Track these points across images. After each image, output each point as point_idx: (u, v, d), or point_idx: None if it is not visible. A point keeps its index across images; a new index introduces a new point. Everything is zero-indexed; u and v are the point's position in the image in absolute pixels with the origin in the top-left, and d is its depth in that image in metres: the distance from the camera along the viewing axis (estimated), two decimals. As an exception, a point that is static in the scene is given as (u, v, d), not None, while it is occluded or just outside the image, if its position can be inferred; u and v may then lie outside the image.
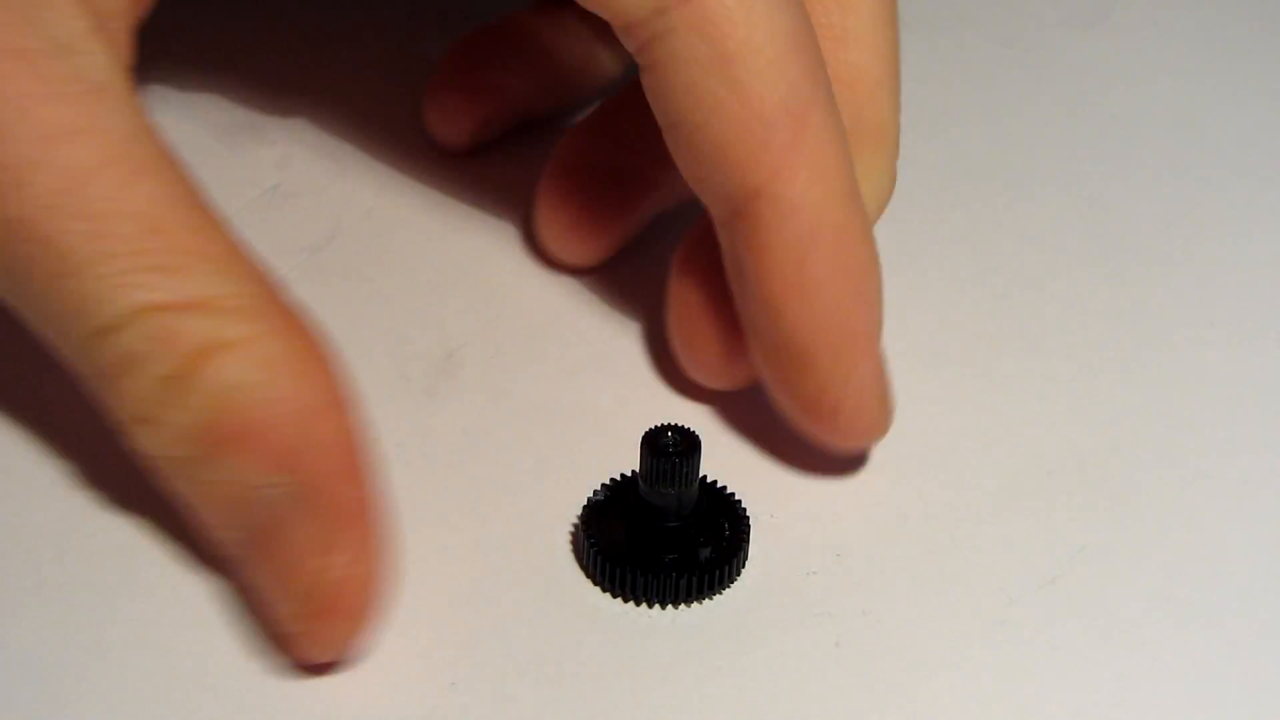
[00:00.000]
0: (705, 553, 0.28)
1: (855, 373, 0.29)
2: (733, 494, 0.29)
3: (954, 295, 0.35)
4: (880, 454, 0.31)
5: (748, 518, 0.29)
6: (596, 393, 0.32)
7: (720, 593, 0.28)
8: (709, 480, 0.29)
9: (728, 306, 0.30)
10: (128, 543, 0.28)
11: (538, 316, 0.34)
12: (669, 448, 0.27)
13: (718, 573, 0.28)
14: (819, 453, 0.30)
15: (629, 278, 0.34)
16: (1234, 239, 0.37)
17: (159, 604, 0.27)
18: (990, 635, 0.27)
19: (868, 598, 0.28)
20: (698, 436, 0.28)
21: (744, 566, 0.28)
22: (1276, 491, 0.30)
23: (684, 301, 0.31)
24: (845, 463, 0.30)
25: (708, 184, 0.28)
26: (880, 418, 0.29)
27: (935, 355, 0.33)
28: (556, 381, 0.32)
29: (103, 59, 0.27)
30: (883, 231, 0.30)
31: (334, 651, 0.26)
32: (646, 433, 0.28)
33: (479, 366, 0.32)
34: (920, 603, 0.28)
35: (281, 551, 0.25)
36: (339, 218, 0.36)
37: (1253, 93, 0.42)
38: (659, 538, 0.28)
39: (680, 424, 0.28)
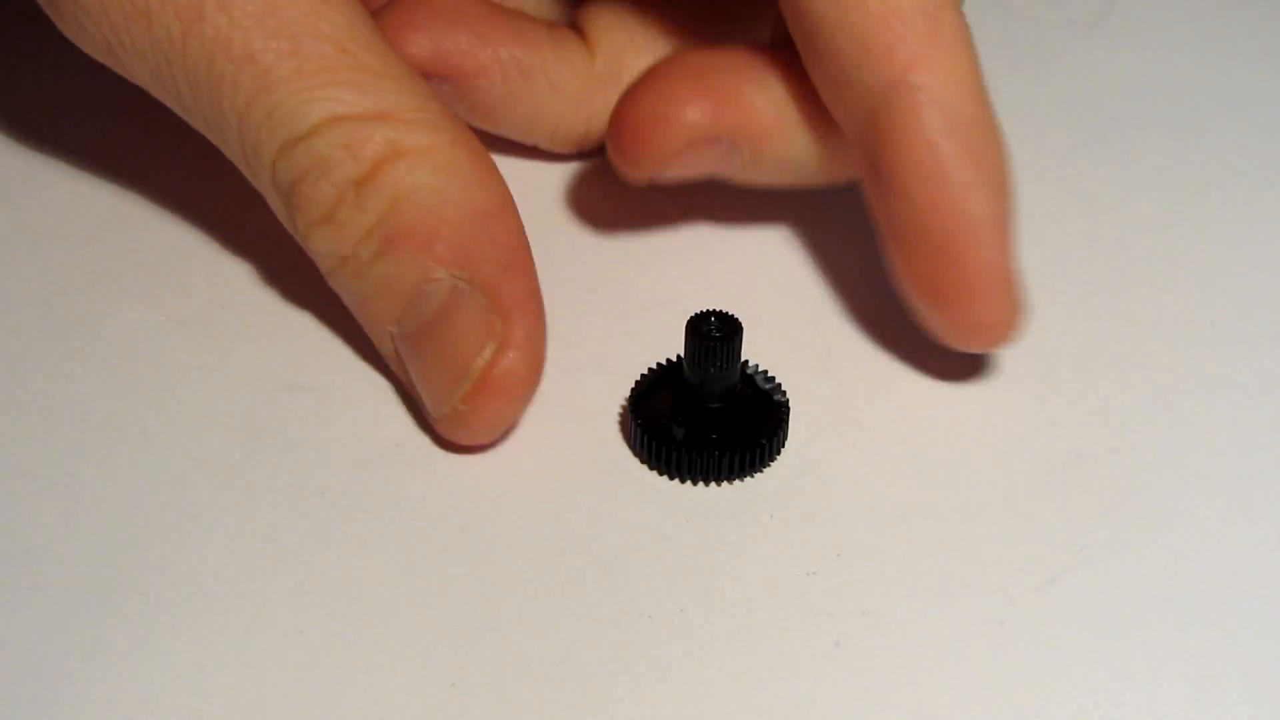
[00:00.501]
0: (746, 432, 0.30)
1: (988, 257, 0.30)
2: (773, 378, 0.31)
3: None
4: (880, 454, 0.31)
5: (787, 400, 0.30)
6: (598, 388, 0.32)
7: (761, 470, 0.30)
8: (750, 365, 0.31)
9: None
10: (127, 542, 0.28)
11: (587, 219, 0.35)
12: (712, 331, 0.29)
13: (758, 451, 0.29)
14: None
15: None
16: (1234, 239, 0.37)
17: (159, 604, 0.27)
18: (990, 635, 0.27)
19: (868, 598, 0.28)
20: (739, 321, 0.29)
21: (783, 446, 0.30)
22: (1276, 491, 0.30)
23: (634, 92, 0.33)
24: (846, 462, 0.30)
25: (847, 82, 0.30)
26: (1009, 309, 0.31)
27: (935, 355, 0.33)
28: (558, 379, 0.32)
29: None
30: (883, 232, 0.30)
31: (492, 431, 0.29)
32: (691, 318, 0.29)
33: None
34: (920, 603, 0.28)
35: (450, 339, 0.28)
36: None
37: (1253, 93, 0.42)
38: (702, 417, 0.30)
39: (724, 310, 0.30)
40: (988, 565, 0.28)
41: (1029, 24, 0.46)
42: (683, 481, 0.30)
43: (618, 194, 0.37)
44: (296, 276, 0.34)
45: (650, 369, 0.31)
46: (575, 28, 0.37)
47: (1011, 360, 0.33)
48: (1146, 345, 0.34)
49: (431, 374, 0.29)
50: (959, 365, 0.33)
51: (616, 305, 0.34)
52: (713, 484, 0.30)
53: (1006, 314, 0.31)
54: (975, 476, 0.30)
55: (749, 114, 0.33)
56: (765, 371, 0.31)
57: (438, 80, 0.35)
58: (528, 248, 0.29)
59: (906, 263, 0.31)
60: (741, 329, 0.29)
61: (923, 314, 0.31)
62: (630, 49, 0.36)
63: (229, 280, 0.34)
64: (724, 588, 0.28)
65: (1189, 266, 0.36)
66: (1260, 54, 0.44)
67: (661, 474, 0.30)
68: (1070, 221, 0.38)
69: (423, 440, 0.30)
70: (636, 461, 0.30)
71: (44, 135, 0.38)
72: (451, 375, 0.29)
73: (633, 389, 0.31)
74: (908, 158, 0.30)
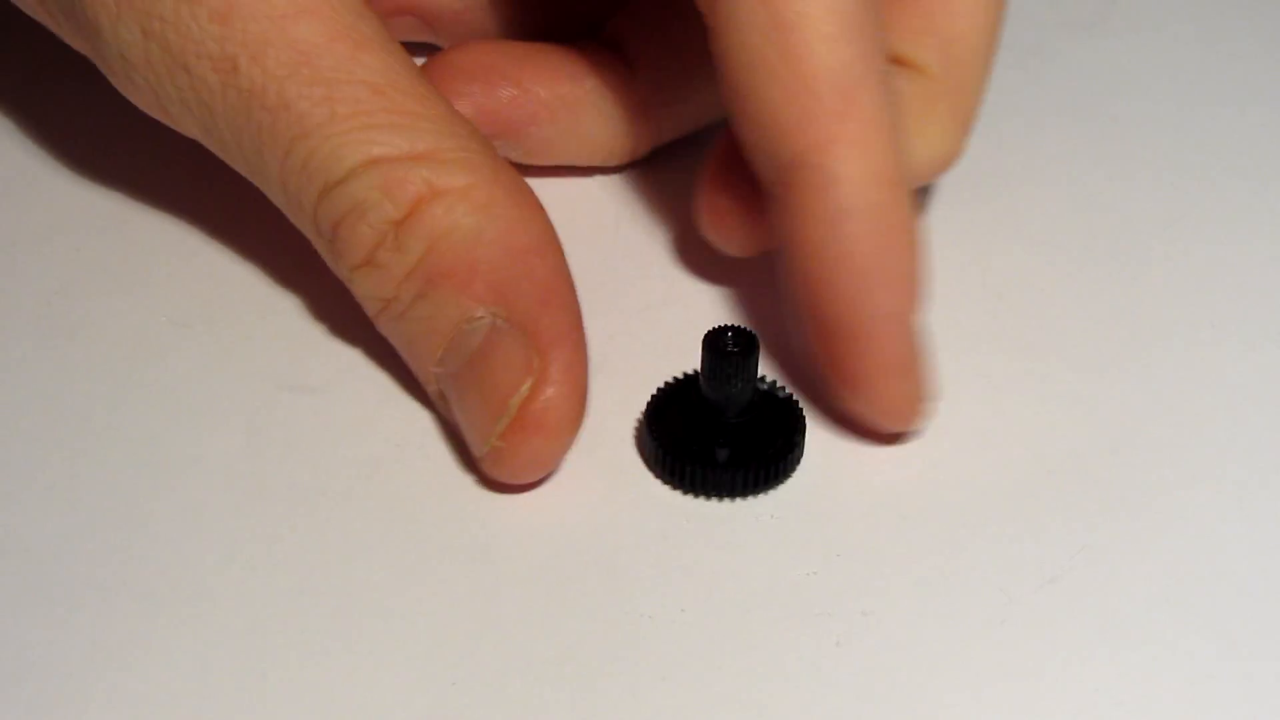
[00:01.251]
0: (762, 448, 0.29)
1: (879, 350, 0.29)
2: (790, 394, 0.31)
3: (954, 295, 0.35)
4: (880, 454, 0.31)
5: (803, 416, 0.30)
6: (598, 389, 0.32)
7: (775, 487, 0.30)
8: (767, 380, 0.31)
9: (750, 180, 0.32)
10: (127, 542, 0.28)
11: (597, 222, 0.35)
12: (728, 347, 0.29)
13: (773, 467, 0.29)
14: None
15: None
16: (1234, 239, 0.37)
17: (159, 604, 0.27)
18: (990, 635, 0.27)
19: (868, 598, 0.28)
20: (756, 337, 0.29)
21: (799, 463, 0.30)
22: (1276, 491, 0.30)
23: (714, 172, 0.33)
24: (846, 462, 0.30)
25: (756, 149, 0.30)
26: (907, 399, 0.30)
27: (935, 355, 0.33)
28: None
29: None
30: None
31: (533, 469, 0.29)
32: (707, 333, 0.29)
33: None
34: (920, 603, 0.28)
35: (489, 376, 0.28)
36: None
37: (1253, 93, 0.42)
38: (718, 433, 0.30)
39: (740, 325, 0.29)
40: (988, 565, 0.28)
41: (1028, 23, 0.45)
42: (708, 499, 0.29)
43: (628, 204, 0.37)
44: (297, 276, 0.34)
45: (663, 385, 0.31)
46: (609, 42, 0.37)
47: (1011, 360, 0.33)
48: (1146, 345, 0.34)
49: (472, 412, 0.29)
50: (958, 365, 0.33)
51: (627, 317, 0.34)
52: (732, 499, 0.30)
53: (902, 403, 0.30)
54: (975, 476, 0.30)
55: (509, 107, 0.34)
56: (775, 382, 0.31)
57: (490, 137, 0.34)
58: (568, 282, 0.29)
59: (805, 335, 0.30)
60: (758, 344, 0.29)
61: (818, 376, 0.31)
62: (668, 53, 0.36)
63: (229, 280, 0.34)
64: (724, 588, 0.28)
65: (1189, 266, 0.36)
66: (1260, 53, 0.44)
67: (686, 493, 0.30)
68: (1069, 219, 0.38)
69: (423, 440, 0.30)
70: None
71: (44, 135, 0.38)
72: (490, 412, 0.29)
73: (647, 406, 0.30)
74: (803, 239, 0.29)
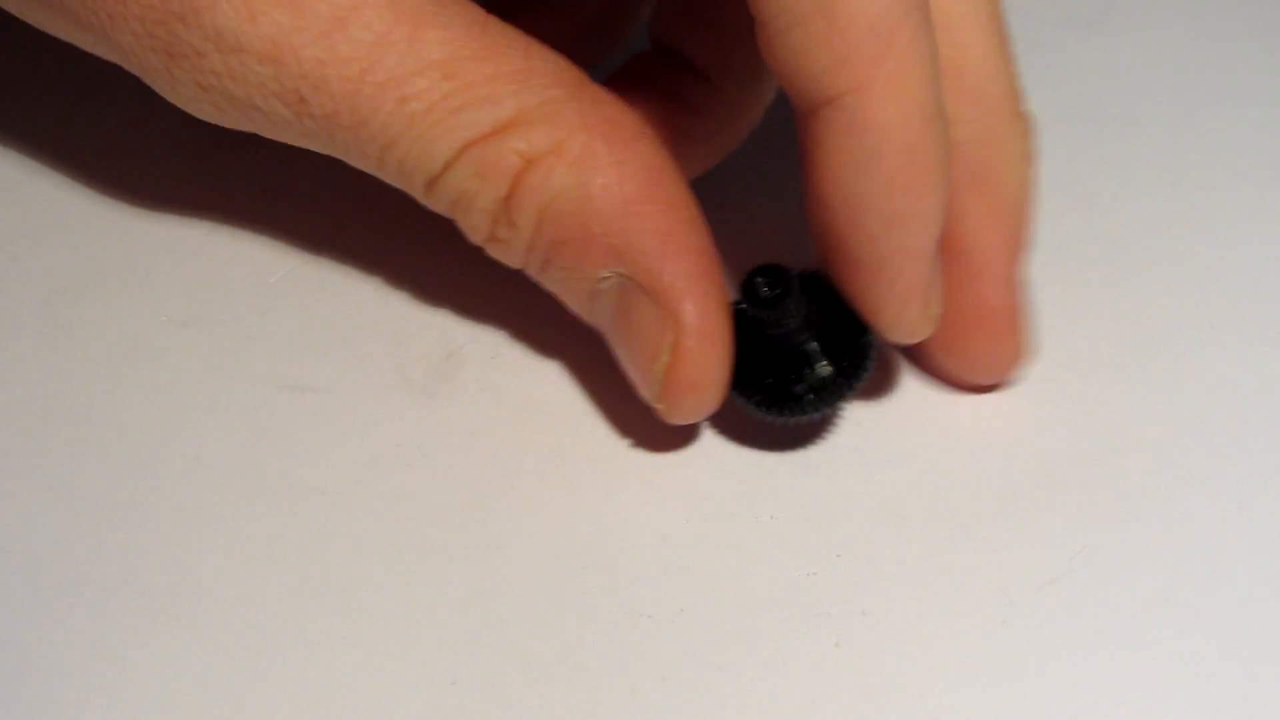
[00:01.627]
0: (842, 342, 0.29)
1: (897, 282, 0.29)
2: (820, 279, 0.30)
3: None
4: (880, 454, 0.31)
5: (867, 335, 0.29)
6: (599, 388, 0.32)
7: (839, 402, 0.29)
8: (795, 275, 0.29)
9: None
10: (127, 542, 0.28)
11: (538, 315, 0.34)
12: (763, 291, 0.28)
13: (862, 354, 0.29)
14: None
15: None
16: (1234, 239, 0.37)
17: (159, 604, 0.27)
18: (990, 635, 0.27)
19: (867, 598, 0.28)
20: (789, 276, 0.28)
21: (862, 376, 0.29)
22: (1276, 491, 0.30)
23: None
24: (845, 462, 0.30)
25: (787, 81, 0.29)
26: (922, 325, 0.29)
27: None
28: (558, 379, 0.32)
29: None
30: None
31: (703, 413, 0.29)
32: (742, 282, 0.28)
33: (479, 366, 0.32)
34: (920, 603, 0.28)
35: (633, 338, 0.28)
36: (340, 218, 0.36)
37: (1253, 93, 0.42)
38: (799, 358, 0.29)
39: (773, 265, 0.29)
40: (988, 565, 0.28)
41: (1029, 21, 0.45)
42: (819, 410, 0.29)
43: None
44: (297, 276, 0.34)
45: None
46: (687, 66, 0.35)
47: (1011, 360, 0.33)
48: (1147, 345, 0.34)
49: (629, 370, 0.29)
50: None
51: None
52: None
53: (910, 331, 0.29)
54: (975, 476, 0.30)
55: None
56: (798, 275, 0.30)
57: None
58: (687, 221, 0.29)
59: (821, 249, 0.30)
60: (794, 284, 0.28)
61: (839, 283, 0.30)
62: (743, 58, 0.35)
63: (229, 280, 0.34)
64: (724, 588, 0.28)
65: (1189, 265, 0.36)
66: (1261, 51, 0.44)
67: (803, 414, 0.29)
68: (1070, 220, 0.38)
69: (423, 440, 0.30)
70: (635, 460, 0.30)
71: (45, 135, 0.38)
72: (642, 376, 0.29)
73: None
74: (829, 173, 0.28)
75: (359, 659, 0.26)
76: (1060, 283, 0.35)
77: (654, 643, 0.27)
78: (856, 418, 0.31)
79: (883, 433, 0.31)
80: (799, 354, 0.29)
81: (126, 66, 0.31)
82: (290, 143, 0.31)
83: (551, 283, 0.30)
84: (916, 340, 0.30)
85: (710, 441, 0.31)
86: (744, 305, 0.29)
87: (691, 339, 0.28)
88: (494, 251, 0.30)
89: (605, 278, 0.28)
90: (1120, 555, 0.29)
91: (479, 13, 0.29)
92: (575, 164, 0.28)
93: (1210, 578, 0.28)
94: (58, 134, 0.38)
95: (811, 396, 0.29)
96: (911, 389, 0.32)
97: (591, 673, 0.26)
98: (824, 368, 0.29)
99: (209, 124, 0.30)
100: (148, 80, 0.30)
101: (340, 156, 0.30)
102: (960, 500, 0.30)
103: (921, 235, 0.29)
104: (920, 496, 0.30)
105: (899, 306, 0.29)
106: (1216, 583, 0.28)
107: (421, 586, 0.28)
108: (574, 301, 0.30)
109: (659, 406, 0.29)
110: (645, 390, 0.29)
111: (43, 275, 0.34)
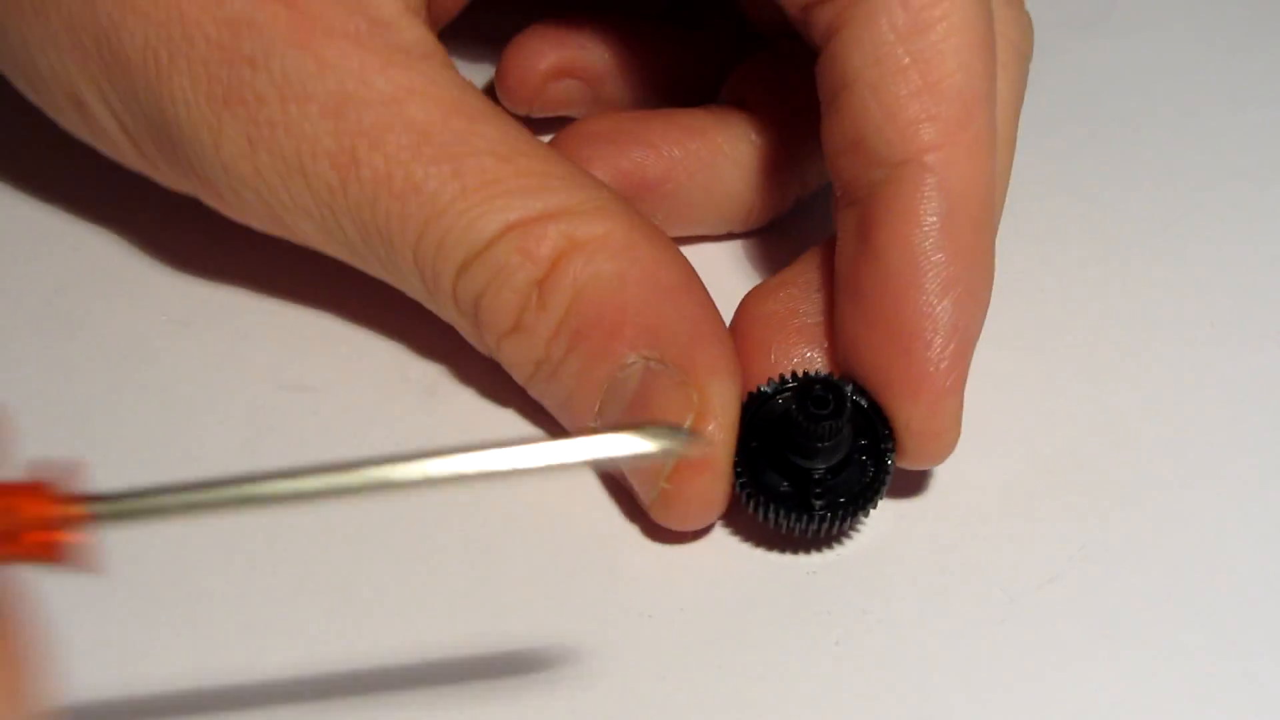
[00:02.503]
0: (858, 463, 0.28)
1: (937, 360, 0.28)
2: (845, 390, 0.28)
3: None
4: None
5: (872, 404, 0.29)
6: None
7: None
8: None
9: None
10: (126, 541, 0.28)
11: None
12: (816, 411, 0.27)
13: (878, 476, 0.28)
14: None
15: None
16: (1234, 239, 0.37)
17: (159, 603, 0.27)
18: (990, 635, 0.27)
19: (868, 597, 0.28)
20: (843, 389, 0.28)
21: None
22: (1276, 491, 0.30)
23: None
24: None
25: (863, 144, 0.29)
26: (942, 420, 0.28)
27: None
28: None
29: (419, 32, 0.30)
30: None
31: (702, 511, 0.28)
32: (797, 388, 0.28)
33: (479, 365, 0.32)
34: (920, 602, 0.28)
35: (649, 416, 0.28)
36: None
37: (1253, 93, 0.42)
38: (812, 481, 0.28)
39: (832, 378, 0.28)
40: (988, 564, 0.28)
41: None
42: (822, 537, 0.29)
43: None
44: (297, 276, 0.34)
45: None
46: (731, 100, 0.36)
47: (1011, 359, 0.33)
48: (1147, 344, 0.34)
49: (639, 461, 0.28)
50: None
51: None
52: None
53: (938, 424, 0.28)
54: (975, 476, 0.30)
55: (652, 180, 0.33)
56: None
57: (629, 201, 0.33)
58: (717, 316, 0.29)
59: (860, 335, 0.29)
60: (848, 398, 0.28)
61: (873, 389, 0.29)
62: (791, 104, 0.34)
63: (229, 280, 0.34)
64: (724, 588, 0.28)
65: (1189, 265, 0.36)
66: (1260, 52, 0.44)
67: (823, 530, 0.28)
68: (1069, 218, 0.38)
69: (422, 439, 0.30)
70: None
71: (44, 134, 0.38)
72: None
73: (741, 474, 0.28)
74: (899, 236, 0.28)
75: (358, 657, 0.26)
76: (1060, 282, 0.35)
77: (654, 641, 0.27)
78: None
79: (883, 432, 0.31)
80: (814, 470, 0.28)
81: (147, 129, 0.30)
82: (313, 231, 0.30)
83: (568, 374, 0.29)
84: (941, 458, 0.29)
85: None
86: (768, 394, 0.29)
87: (715, 419, 0.28)
88: (512, 343, 0.29)
89: (630, 363, 0.28)
90: (1119, 554, 0.29)
91: (522, 126, 0.30)
92: (618, 253, 0.29)
93: (1209, 576, 0.28)
94: (58, 134, 0.38)
95: (827, 515, 0.28)
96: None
97: (591, 672, 0.26)
98: (839, 484, 0.28)
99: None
100: (191, 132, 0.30)
101: (366, 245, 0.30)
102: (960, 499, 0.30)
103: (973, 313, 0.28)
104: (920, 495, 0.30)
105: (929, 389, 0.28)
106: (1216, 581, 0.28)
107: (421, 585, 0.28)
108: (587, 391, 0.29)
109: (667, 487, 0.28)
110: (655, 472, 0.28)
111: (43, 275, 0.34)
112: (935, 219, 0.28)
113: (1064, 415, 0.32)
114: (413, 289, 0.30)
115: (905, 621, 0.27)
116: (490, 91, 0.38)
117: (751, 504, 0.28)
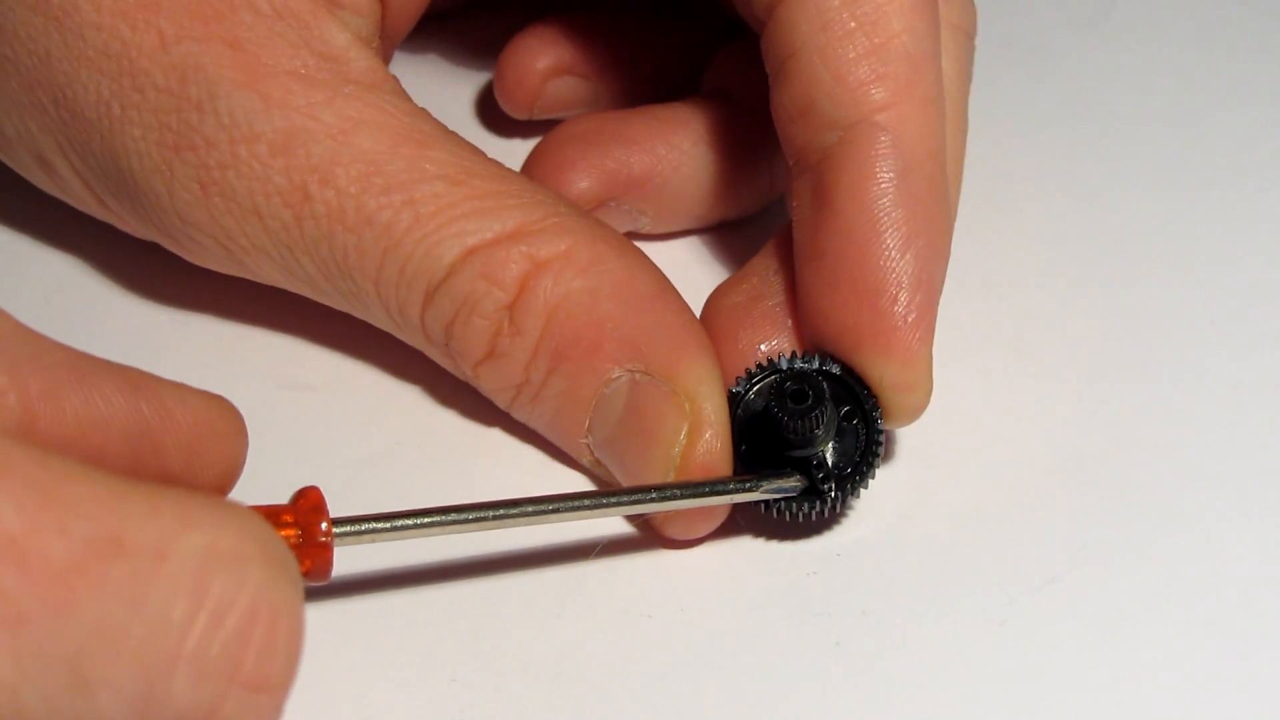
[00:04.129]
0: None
1: (902, 314, 0.28)
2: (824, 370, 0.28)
3: (954, 295, 0.35)
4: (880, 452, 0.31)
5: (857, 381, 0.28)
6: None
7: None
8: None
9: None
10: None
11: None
12: (793, 407, 0.27)
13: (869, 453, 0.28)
14: None
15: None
16: (1234, 239, 0.37)
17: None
18: (990, 635, 0.27)
19: (868, 597, 0.28)
20: (820, 384, 0.27)
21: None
22: (1277, 491, 0.30)
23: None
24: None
25: (814, 110, 0.29)
26: (910, 371, 0.28)
27: (935, 356, 0.33)
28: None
29: (368, 63, 0.30)
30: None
31: (710, 519, 0.28)
32: (772, 388, 0.28)
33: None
34: (920, 602, 0.28)
35: (645, 432, 0.28)
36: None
37: (1253, 93, 0.42)
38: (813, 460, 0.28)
39: (804, 372, 0.28)
40: (988, 565, 0.28)
41: (1030, 21, 0.45)
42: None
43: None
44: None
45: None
46: (713, 91, 0.36)
47: (1012, 359, 0.33)
48: (1146, 344, 0.34)
49: (636, 473, 0.28)
50: (958, 365, 0.33)
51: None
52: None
53: (912, 376, 0.28)
54: (975, 477, 0.30)
55: (637, 176, 0.33)
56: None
57: (616, 201, 0.34)
58: (696, 321, 0.29)
59: (824, 298, 0.29)
60: (825, 391, 0.28)
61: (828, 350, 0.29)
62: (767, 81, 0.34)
63: (229, 280, 0.34)
64: (724, 588, 0.28)
65: (1189, 264, 0.36)
66: (1260, 52, 0.44)
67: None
68: (1070, 218, 0.38)
69: (422, 440, 0.30)
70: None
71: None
72: (655, 468, 0.28)
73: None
74: (857, 194, 0.28)
75: (359, 656, 0.26)
76: (1060, 280, 0.35)
77: (654, 641, 0.27)
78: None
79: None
80: (819, 453, 0.28)
81: (106, 183, 0.30)
82: (274, 271, 0.30)
83: (552, 395, 0.29)
84: (918, 412, 0.29)
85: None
86: (752, 396, 0.28)
87: (710, 427, 0.28)
88: (488, 370, 0.29)
89: (615, 377, 0.28)
90: (1121, 554, 0.29)
91: (482, 152, 0.30)
92: (586, 267, 0.28)
93: (1209, 576, 0.28)
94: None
95: (838, 494, 0.28)
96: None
97: (591, 672, 0.26)
98: (839, 459, 0.28)
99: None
100: (145, 183, 0.30)
101: (328, 281, 0.30)
102: (960, 500, 0.30)
103: (933, 266, 0.28)
104: (920, 496, 0.30)
105: (894, 342, 0.28)
106: (1216, 581, 0.28)
107: (422, 584, 0.28)
108: (574, 411, 0.29)
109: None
110: (655, 479, 0.28)
111: (43, 275, 0.34)
112: (891, 175, 0.28)
113: (1064, 415, 0.32)
114: (381, 322, 0.30)
115: (905, 622, 0.27)
116: (490, 95, 0.38)
117: (763, 506, 0.28)
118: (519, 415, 0.30)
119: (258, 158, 0.29)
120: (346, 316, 0.31)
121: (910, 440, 0.31)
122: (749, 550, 0.29)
